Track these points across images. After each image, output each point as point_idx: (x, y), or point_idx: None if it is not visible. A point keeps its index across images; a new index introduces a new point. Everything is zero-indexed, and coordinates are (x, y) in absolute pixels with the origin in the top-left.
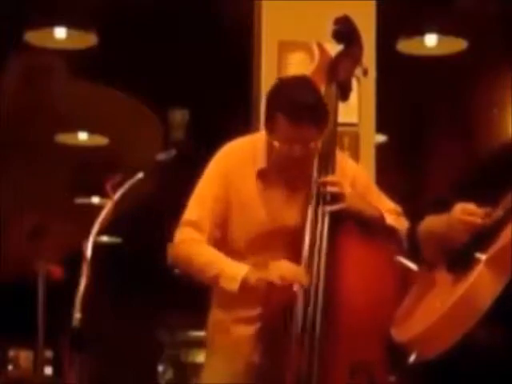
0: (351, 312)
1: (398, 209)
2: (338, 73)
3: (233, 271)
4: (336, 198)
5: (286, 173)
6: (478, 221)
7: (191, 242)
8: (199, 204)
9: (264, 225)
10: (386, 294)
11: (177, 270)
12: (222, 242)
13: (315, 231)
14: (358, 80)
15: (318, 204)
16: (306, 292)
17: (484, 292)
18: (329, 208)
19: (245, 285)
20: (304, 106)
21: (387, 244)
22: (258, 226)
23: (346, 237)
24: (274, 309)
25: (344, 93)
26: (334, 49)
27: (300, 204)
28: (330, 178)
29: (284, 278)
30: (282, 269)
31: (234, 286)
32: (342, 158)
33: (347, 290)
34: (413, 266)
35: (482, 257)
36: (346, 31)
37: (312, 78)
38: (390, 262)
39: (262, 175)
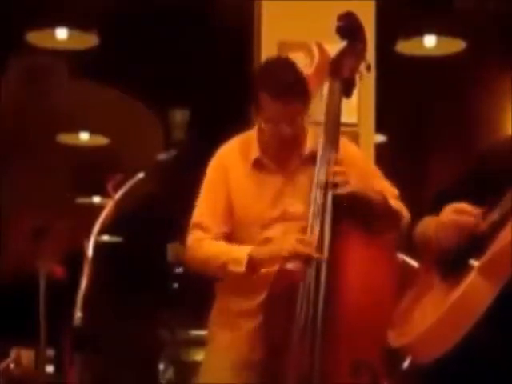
0: (352, 310)
1: (395, 193)
2: (342, 69)
3: (238, 253)
4: (341, 184)
5: (279, 156)
6: (471, 219)
7: (199, 243)
8: (204, 206)
9: (265, 214)
10: (387, 292)
11: (178, 270)
12: (229, 239)
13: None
14: (362, 76)
15: (318, 203)
16: (308, 289)
17: (477, 299)
18: (334, 192)
19: (251, 263)
20: (285, 82)
21: (389, 239)
22: (260, 216)
23: (347, 235)
24: (278, 296)
25: (348, 89)
26: (333, 49)
27: (297, 190)
28: (336, 168)
29: (295, 249)
30: (290, 241)
31: (240, 267)
32: (343, 145)
33: (348, 288)
34: (414, 263)
35: (476, 263)
36: (349, 27)
37: (310, 78)
38: (392, 260)
39: (256, 165)
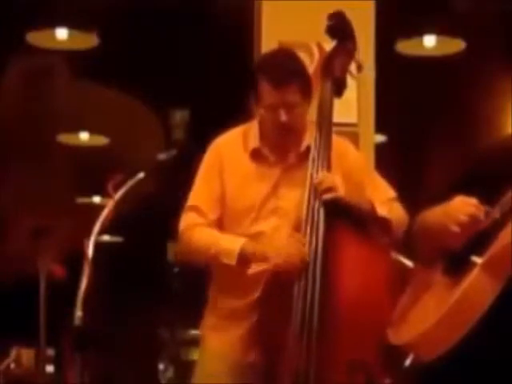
0: (348, 310)
1: (391, 195)
2: (333, 69)
3: (230, 245)
4: (328, 190)
5: (278, 147)
6: (481, 214)
7: (193, 228)
8: (198, 191)
9: (258, 206)
10: (383, 292)
11: (176, 269)
12: (220, 227)
13: (312, 231)
14: (357, 79)
15: (311, 205)
16: (304, 290)
17: (480, 296)
18: (322, 197)
19: (242, 257)
20: (285, 69)
21: (381, 239)
22: (252, 208)
23: (341, 235)
24: (274, 292)
25: (339, 88)
26: None
27: (294, 185)
28: (321, 177)
29: (284, 261)
30: (281, 252)
31: (232, 260)
32: (341, 146)
33: (344, 288)
34: (409, 263)
35: (479, 260)
36: (339, 27)
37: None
38: (387, 260)
39: (255, 155)
